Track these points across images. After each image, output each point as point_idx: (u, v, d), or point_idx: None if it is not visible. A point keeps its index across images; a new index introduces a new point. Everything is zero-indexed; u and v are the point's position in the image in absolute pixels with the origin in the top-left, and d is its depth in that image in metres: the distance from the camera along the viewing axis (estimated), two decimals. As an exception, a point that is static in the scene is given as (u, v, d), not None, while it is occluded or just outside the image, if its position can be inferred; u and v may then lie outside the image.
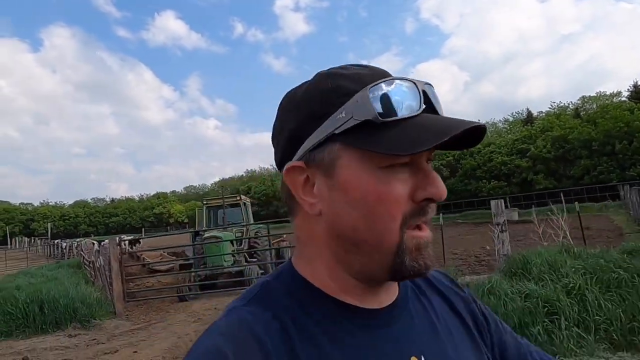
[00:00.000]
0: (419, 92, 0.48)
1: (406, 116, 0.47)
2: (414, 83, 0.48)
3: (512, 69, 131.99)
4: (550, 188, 33.90)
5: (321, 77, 0.53)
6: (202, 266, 10.20)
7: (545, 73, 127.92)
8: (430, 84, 0.51)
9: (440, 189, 0.48)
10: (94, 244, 16.22)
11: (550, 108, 45.98)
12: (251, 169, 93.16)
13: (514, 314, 3.90)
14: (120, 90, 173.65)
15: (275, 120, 0.56)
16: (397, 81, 0.48)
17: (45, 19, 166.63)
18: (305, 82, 0.54)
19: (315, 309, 0.51)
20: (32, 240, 42.42)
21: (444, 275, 0.69)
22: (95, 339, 6.72)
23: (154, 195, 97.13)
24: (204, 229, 11.59)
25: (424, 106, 0.48)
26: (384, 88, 0.47)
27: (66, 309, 7.47)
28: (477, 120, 0.47)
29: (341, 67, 0.53)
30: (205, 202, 12.67)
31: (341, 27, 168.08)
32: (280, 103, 0.56)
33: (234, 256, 10.38)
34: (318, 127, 0.49)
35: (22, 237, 52.31)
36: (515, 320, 3.85)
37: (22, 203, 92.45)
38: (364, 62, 0.54)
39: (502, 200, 7.00)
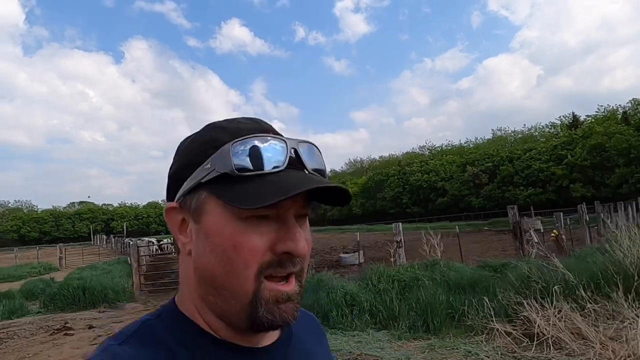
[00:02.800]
0: (287, 150, 0.51)
1: (264, 172, 0.50)
2: (284, 141, 0.52)
3: (594, 59, 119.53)
4: (588, 197, 33.05)
5: (206, 128, 0.57)
6: None
7: (635, 62, 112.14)
8: (308, 142, 0.55)
9: (298, 244, 0.51)
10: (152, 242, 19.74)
11: (597, 112, 43.80)
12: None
13: (324, 303, 6.13)
14: (192, 96, 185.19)
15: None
16: (268, 138, 0.51)
17: (126, 33, 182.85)
18: (196, 132, 0.58)
19: (194, 346, 0.52)
20: (108, 238, 48.28)
21: (319, 323, 0.75)
22: (114, 314, 9.77)
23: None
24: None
25: (286, 164, 0.51)
26: (250, 143, 0.50)
27: (99, 293, 10.68)
28: (337, 183, 0.52)
29: (229, 120, 0.57)
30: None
31: (402, 25, 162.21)
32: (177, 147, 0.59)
33: None
34: (191, 174, 0.53)
35: (101, 235, 58.43)
36: (325, 306, 6.08)
37: (104, 204, 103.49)
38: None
39: (400, 223, 9.02)
